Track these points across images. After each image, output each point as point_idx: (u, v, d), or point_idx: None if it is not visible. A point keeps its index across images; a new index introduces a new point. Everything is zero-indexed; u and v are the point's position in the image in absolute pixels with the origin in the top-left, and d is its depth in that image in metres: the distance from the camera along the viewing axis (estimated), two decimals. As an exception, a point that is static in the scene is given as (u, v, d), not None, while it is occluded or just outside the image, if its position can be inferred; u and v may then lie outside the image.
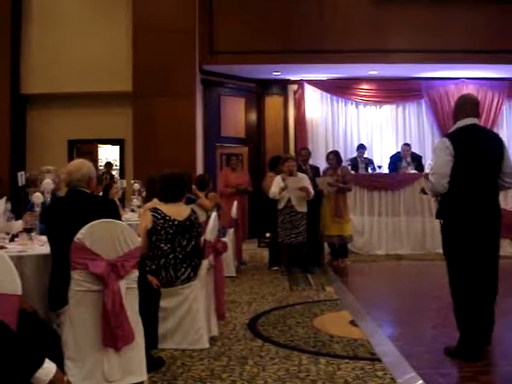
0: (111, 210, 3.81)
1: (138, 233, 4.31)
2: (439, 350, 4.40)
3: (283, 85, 12.80)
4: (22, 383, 1.92)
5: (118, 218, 3.81)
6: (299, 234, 8.04)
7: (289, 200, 8.01)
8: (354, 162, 10.93)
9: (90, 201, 3.84)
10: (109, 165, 12.81)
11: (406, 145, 11.32)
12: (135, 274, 3.51)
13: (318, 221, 8.63)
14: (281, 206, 8.07)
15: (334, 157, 9.01)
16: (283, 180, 8.01)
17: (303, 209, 8.08)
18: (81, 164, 3.95)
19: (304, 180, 8.11)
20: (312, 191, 8.08)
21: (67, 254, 3.36)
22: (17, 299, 2.45)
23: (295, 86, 12.74)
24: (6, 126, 11.00)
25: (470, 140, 4.26)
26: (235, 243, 8.36)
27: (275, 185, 8.05)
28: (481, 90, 12.45)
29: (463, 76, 12.33)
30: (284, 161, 8.35)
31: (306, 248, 8.27)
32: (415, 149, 11.91)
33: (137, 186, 8.17)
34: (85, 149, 12.14)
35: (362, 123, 12.85)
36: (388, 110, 12.91)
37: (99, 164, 12.75)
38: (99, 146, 12.97)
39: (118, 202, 7.26)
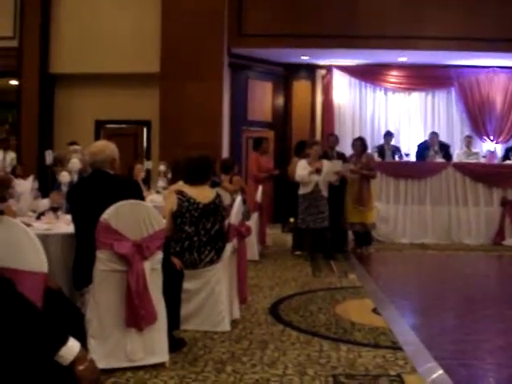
0: (135, 191, 3.82)
1: (163, 215, 4.32)
2: (462, 341, 4.37)
3: (311, 69, 12.69)
4: (46, 360, 1.93)
5: (142, 199, 3.82)
6: (324, 218, 7.99)
7: (316, 184, 7.96)
8: (380, 150, 10.82)
9: (114, 182, 3.86)
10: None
11: (434, 133, 11.18)
12: (159, 255, 3.53)
13: (343, 207, 8.59)
14: (308, 190, 7.97)
15: (359, 143, 8.93)
16: (309, 164, 7.96)
17: (326, 194, 8.05)
18: (105, 145, 3.95)
19: (337, 165, 8.16)
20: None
21: (91, 233, 3.39)
22: (43, 277, 2.47)
23: (323, 71, 12.63)
24: (35, 105, 11.10)
25: None
26: (259, 227, 8.35)
27: (301, 168, 7.97)
28: (512, 79, 12.27)
29: (494, 65, 12.11)
30: (311, 145, 8.31)
31: (329, 233, 8.24)
32: (444, 137, 11.77)
33: (162, 167, 8.20)
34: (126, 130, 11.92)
35: (390, 110, 12.72)
36: (417, 97, 12.74)
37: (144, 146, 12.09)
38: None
39: (141, 183, 7.34)
